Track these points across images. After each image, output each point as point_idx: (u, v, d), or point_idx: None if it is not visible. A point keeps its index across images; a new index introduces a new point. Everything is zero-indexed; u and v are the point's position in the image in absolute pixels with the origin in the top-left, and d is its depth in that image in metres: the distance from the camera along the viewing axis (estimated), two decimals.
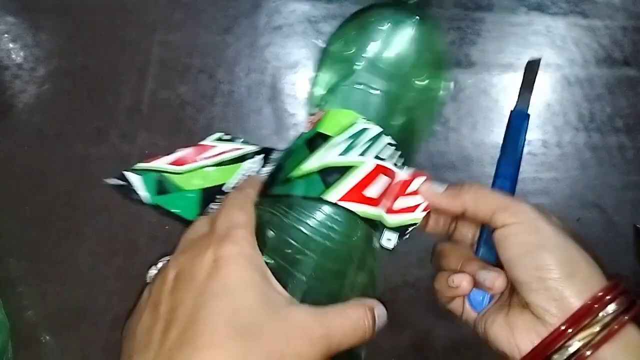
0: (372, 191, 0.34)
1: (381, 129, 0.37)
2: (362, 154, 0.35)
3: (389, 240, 0.36)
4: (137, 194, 0.39)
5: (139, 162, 0.45)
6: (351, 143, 0.35)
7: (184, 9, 0.49)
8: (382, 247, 0.37)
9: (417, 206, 0.36)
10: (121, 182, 0.40)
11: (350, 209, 0.33)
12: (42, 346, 0.40)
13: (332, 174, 0.33)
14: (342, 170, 0.34)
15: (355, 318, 0.29)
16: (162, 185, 0.39)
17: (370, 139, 0.36)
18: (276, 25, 0.49)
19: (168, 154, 0.41)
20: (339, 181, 0.33)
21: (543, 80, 0.49)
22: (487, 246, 0.36)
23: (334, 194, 0.33)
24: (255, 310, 0.26)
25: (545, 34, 0.50)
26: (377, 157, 0.35)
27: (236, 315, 0.26)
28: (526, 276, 0.30)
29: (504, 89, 0.48)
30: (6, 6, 0.50)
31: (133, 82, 0.48)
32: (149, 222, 0.44)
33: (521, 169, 0.43)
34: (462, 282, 0.33)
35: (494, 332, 0.31)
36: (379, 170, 0.35)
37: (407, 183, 0.37)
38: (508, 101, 0.48)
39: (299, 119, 0.47)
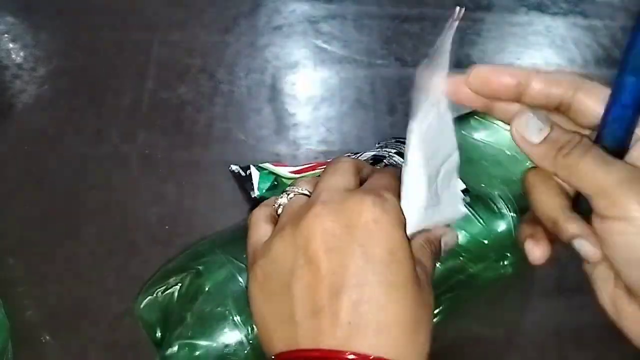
0: None
1: None
2: None
3: None
4: (251, 186, 0.41)
5: (139, 162, 0.45)
6: None
7: (184, 9, 0.49)
8: None
9: None
10: (242, 173, 0.42)
11: None
12: (42, 346, 0.40)
13: None
14: None
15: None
16: (274, 186, 0.41)
17: None
18: (276, 25, 0.49)
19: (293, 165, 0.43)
20: None
21: None
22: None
23: None
24: (414, 292, 0.25)
25: (545, 34, 0.49)
26: None
27: (406, 297, 0.25)
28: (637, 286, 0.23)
29: None
30: (6, 6, 0.50)
31: (133, 82, 0.48)
32: (149, 222, 0.44)
33: None
34: (536, 254, 0.25)
35: (601, 298, 0.25)
36: None
37: None
38: None
39: (299, 119, 0.47)
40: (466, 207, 0.30)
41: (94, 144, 0.46)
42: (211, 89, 0.48)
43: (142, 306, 0.35)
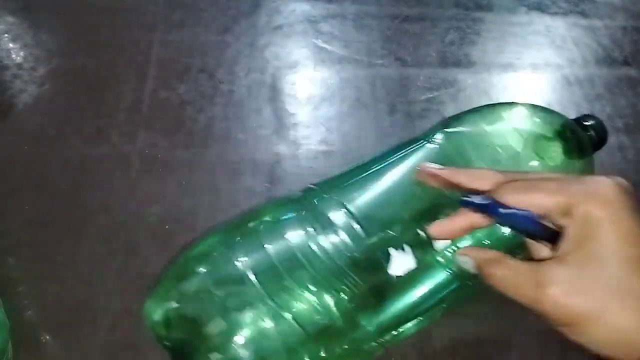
0: None
1: None
2: None
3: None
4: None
5: (139, 162, 0.45)
6: None
7: (184, 9, 0.49)
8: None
9: None
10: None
11: None
12: (42, 346, 0.40)
13: None
14: None
15: None
16: None
17: None
18: (276, 25, 0.49)
19: None
20: None
21: (543, 80, 0.49)
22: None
23: None
24: None
25: (545, 34, 0.50)
26: None
27: None
28: None
29: (504, 89, 0.48)
30: (6, 6, 0.50)
31: (133, 82, 0.48)
32: (149, 222, 0.44)
33: None
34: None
35: None
36: None
37: None
38: (507, 101, 0.48)
39: (299, 119, 0.47)
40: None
41: (94, 144, 0.46)
42: (211, 89, 0.48)
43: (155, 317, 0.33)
